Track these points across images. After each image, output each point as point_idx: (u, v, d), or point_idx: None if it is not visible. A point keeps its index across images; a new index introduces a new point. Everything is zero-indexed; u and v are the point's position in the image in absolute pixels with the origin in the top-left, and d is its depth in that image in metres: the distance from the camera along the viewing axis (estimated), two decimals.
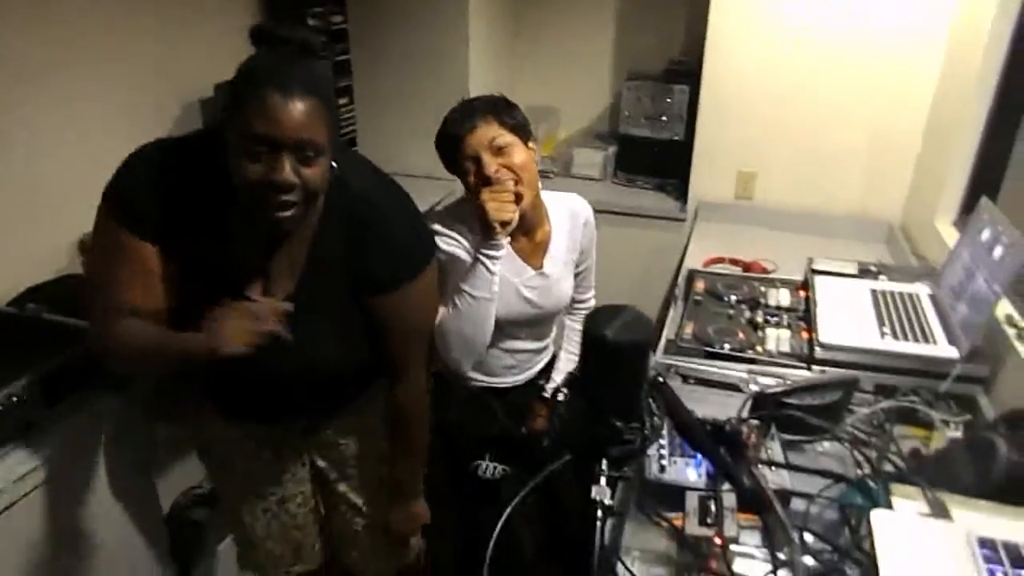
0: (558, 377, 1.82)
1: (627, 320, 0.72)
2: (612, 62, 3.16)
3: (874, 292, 1.78)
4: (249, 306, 1.13)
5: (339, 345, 1.30)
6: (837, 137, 2.55)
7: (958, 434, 1.40)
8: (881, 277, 1.92)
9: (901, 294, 1.76)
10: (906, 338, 1.57)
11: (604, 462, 0.75)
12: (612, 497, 0.75)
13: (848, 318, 1.67)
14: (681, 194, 2.87)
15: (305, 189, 1.08)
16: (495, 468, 1.70)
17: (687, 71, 2.83)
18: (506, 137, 1.46)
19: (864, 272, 1.95)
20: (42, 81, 1.80)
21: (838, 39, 2.44)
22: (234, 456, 1.48)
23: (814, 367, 1.58)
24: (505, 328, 1.60)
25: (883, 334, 1.60)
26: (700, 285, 1.95)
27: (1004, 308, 1.58)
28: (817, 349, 1.59)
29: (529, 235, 1.59)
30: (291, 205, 1.07)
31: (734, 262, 2.29)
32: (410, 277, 1.27)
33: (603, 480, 0.75)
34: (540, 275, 1.61)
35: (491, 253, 1.46)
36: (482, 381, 1.69)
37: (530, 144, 1.51)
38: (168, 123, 2.20)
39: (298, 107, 1.02)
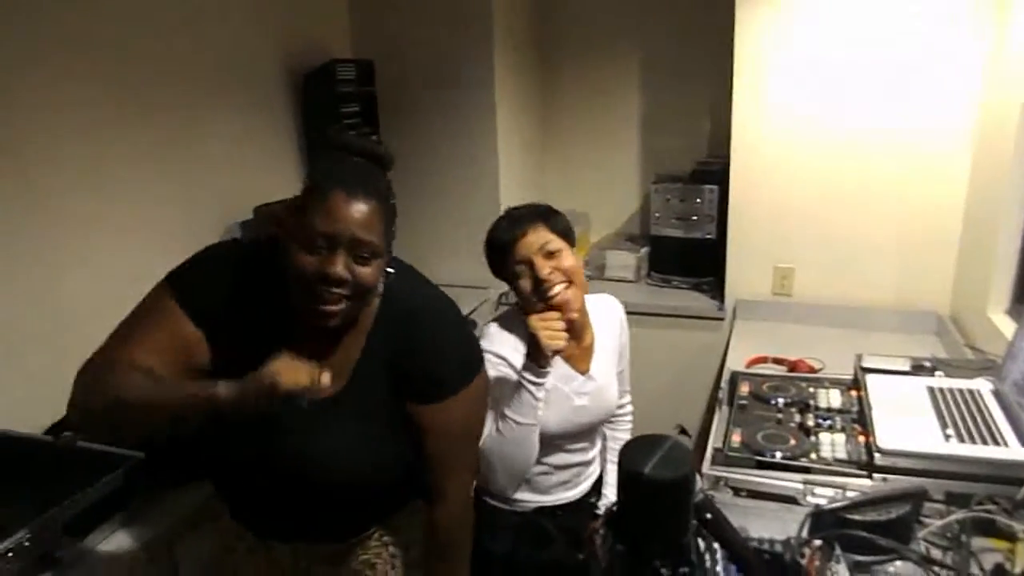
0: (609, 492, 1.74)
1: (665, 453, 0.66)
2: (640, 165, 3.22)
3: (931, 390, 1.68)
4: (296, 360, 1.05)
5: (377, 454, 1.27)
6: (872, 227, 2.51)
7: None
8: (937, 373, 1.82)
9: (961, 391, 1.66)
10: (973, 440, 1.47)
11: None
12: None
13: (907, 420, 1.57)
14: (717, 292, 2.83)
15: (356, 286, 1.10)
16: None
17: (714, 170, 2.85)
18: (556, 242, 1.49)
19: (918, 368, 1.85)
20: (73, 200, 1.82)
21: (862, 131, 2.43)
22: None
23: (875, 475, 1.47)
24: (555, 441, 1.55)
25: (947, 437, 1.49)
26: (745, 388, 1.87)
27: None
28: (876, 455, 1.48)
29: (578, 339, 1.57)
30: (341, 299, 1.10)
31: (778, 361, 2.21)
32: (456, 387, 1.26)
33: None
34: (589, 379, 1.58)
35: (537, 380, 1.44)
36: (534, 501, 1.62)
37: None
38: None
39: (359, 207, 1.08)
